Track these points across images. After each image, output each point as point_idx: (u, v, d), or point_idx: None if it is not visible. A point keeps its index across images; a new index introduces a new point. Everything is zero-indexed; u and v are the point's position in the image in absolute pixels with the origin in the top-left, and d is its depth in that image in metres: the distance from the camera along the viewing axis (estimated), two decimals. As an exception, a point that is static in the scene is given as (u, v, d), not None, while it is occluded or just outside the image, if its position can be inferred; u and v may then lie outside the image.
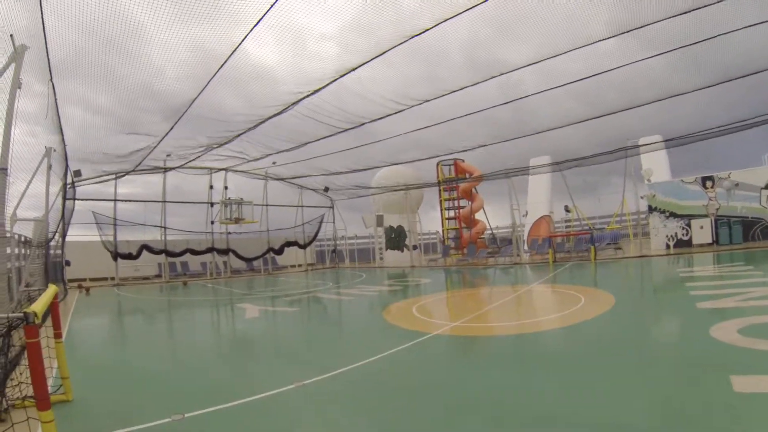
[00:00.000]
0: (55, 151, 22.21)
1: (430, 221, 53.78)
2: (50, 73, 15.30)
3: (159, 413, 6.46)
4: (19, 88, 11.23)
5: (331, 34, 17.08)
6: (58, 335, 7.37)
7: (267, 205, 43.05)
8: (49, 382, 7.65)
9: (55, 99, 17.57)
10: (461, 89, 20.79)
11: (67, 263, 32.45)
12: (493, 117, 25.76)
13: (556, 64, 19.12)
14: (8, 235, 19.93)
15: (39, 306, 5.06)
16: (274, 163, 35.77)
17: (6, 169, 10.70)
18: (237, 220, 37.98)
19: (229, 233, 40.44)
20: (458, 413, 6.03)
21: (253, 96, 21.24)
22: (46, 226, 22.76)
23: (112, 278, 35.46)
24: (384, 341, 11.01)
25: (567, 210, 46.64)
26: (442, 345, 10.50)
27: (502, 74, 19.64)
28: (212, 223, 39.50)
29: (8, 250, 16.66)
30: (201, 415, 6.39)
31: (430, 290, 22.66)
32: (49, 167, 21.78)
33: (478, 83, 20.37)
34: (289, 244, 43.88)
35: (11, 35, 10.38)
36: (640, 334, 10.17)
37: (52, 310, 7.20)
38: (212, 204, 39.65)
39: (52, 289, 6.72)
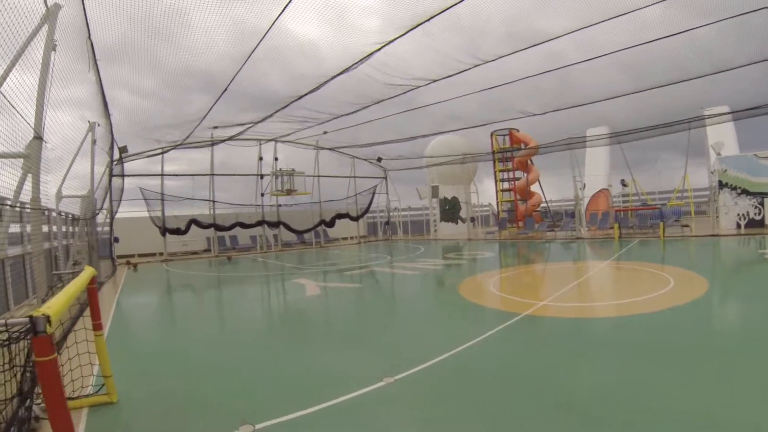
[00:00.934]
0: (99, 126, 21.35)
1: (482, 193, 52.49)
2: (93, 55, 15.68)
3: (223, 422, 5.35)
4: (54, 50, 10.18)
5: (373, 7, 16.78)
6: (97, 327, 6.19)
7: (318, 176, 41.95)
8: (90, 381, 6.52)
9: (100, 80, 18.08)
10: (501, 57, 20.19)
11: (116, 240, 32.26)
12: (539, 88, 25.38)
13: (597, 35, 18.55)
14: (50, 213, 19.26)
15: (57, 305, 3.53)
16: (325, 132, 34.73)
17: (41, 138, 9.56)
18: (289, 192, 36.80)
19: (280, 205, 39.93)
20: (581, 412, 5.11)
21: (297, 70, 21.26)
22: (92, 202, 21.90)
23: (161, 253, 35.06)
24: (472, 323, 10.01)
25: (624, 184, 44.78)
26: (538, 328, 9.35)
27: (545, 42, 18.94)
28: (262, 195, 38.77)
29: (46, 228, 15.76)
30: (277, 427, 5.18)
31: (499, 264, 21.78)
32: (94, 142, 20.99)
33: (519, 51, 19.70)
34: (340, 216, 42.95)
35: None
36: (754, 321, 9.06)
37: (90, 297, 5.96)
38: (262, 176, 38.82)
39: (86, 273, 5.51)
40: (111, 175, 30.56)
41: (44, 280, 10.20)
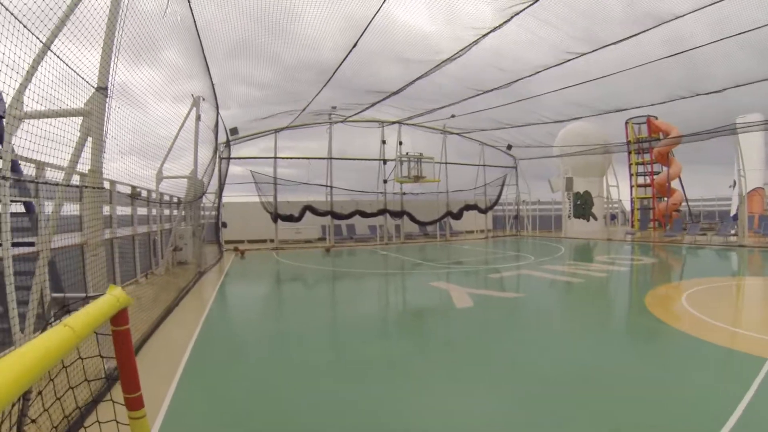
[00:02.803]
0: (204, 100, 19.50)
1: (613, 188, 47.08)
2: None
3: None
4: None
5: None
6: (134, 405, 3.23)
7: (446, 163, 39.02)
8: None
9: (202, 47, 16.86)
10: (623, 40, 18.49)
11: (224, 225, 31.25)
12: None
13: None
14: (149, 194, 17.56)
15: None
16: (452, 116, 31.85)
17: (106, 89, 7.19)
18: (416, 179, 33.79)
19: (404, 194, 37.28)
20: None
21: (409, 57, 20.60)
22: (196, 184, 20.13)
23: (271, 240, 33.63)
24: (704, 371, 7.20)
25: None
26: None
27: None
28: (385, 182, 36.37)
29: (107, 210, 13.66)
30: None
31: (676, 275, 19.53)
32: (198, 118, 19.13)
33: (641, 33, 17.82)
34: (468, 207, 39.89)
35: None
36: None
37: (118, 347, 3.12)
38: (385, 161, 36.37)
39: (107, 302, 2.81)
40: (220, 158, 29.24)
41: (104, 276, 7.86)
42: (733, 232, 30.72)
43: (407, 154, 33.94)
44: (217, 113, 23.30)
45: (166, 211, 21.44)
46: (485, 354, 8.60)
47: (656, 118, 38.66)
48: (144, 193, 17.17)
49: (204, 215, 29.30)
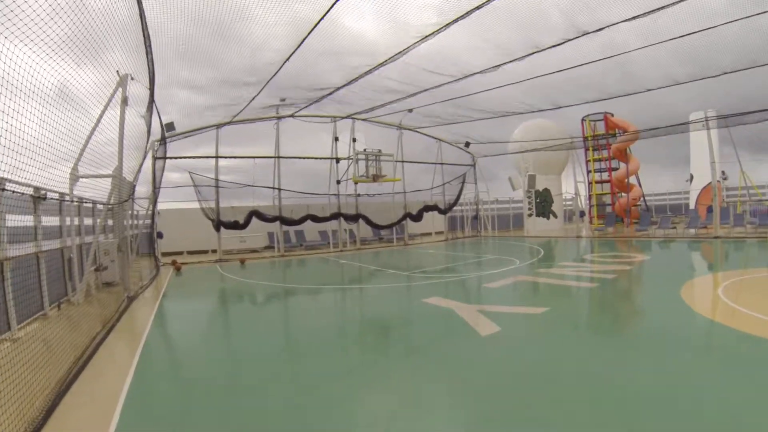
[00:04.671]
0: (132, 79, 15.48)
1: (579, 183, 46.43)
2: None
3: None
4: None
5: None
6: None
7: (403, 161, 35.40)
8: None
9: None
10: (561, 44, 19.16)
11: (159, 235, 27.34)
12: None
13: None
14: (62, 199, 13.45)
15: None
16: (410, 110, 29.47)
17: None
18: (375, 178, 29.98)
19: (359, 195, 33.62)
20: None
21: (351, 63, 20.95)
22: (125, 184, 16.16)
23: (214, 251, 29.75)
24: None
25: (724, 177, 39.02)
26: None
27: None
28: (338, 182, 32.52)
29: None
30: None
31: (701, 266, 19.38)
32: (124, 101, 15.04)
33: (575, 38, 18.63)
34: (428, 208, 36.93)
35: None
36: None
37: None
38: (338, 160, 32.72)
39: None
40: (154, 157, 25.75)
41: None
42: (700, 224, 31.88)
43: (365, 150, 30.26)
44: (152, 98, 19.08)
45: (86, 221, 17.22)
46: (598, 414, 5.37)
47: (612, 115, 39.43)
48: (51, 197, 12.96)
49: (137, 224, 25.42)
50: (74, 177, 14.09)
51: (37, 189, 11.38)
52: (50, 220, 14.03)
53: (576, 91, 26.78)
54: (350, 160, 31.08)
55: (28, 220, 12.20)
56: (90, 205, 17.11)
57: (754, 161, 35.43)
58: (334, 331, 11.00)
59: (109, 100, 14.36)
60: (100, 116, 13.98)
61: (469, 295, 14.45)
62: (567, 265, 19.93)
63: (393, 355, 8.69)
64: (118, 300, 14.68)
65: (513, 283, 15.72)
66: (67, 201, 14.50)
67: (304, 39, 17.14)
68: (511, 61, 20.86)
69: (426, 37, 17.82)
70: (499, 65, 21.33)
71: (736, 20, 17.49)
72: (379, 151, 30.33)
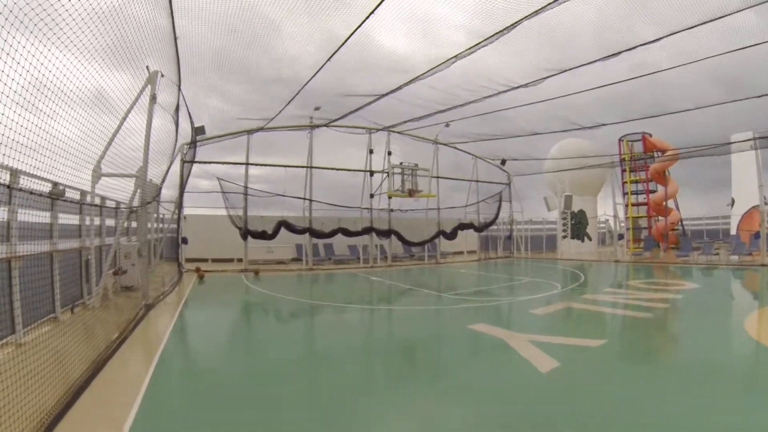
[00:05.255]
0: (163, 76, 14.58)
1: (602, 208, 45.81)
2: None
3: None
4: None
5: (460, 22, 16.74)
6: None
7: (438, 177, 34.10)
8: None
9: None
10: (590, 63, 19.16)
11: (184, 241, 26.49)
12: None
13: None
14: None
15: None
16: (447, 124, 28.45)
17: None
18: (411, 193, 28.67)
19: (392, 210, 32.38)
20: None
21: (385, 73, 20.70)
22: (149, 186, 15.23)
23: (239, 260, 28.68)
24: None
25: (766, 202, 37.13)
26: None
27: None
28: (371, 196, 31.37)
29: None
30: None
31: (749, 298, 18.00)
32: (153, 99, 14.15)
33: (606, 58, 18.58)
34: (463, 226, 35.59)
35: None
36: None
37: None
38: (372, 173, 31.50)
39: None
40: (182, 160, 25.17)
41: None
42: (744, 251, 29.62)
43: (401, 164, 29.08)
44: (180, 96, 18.19)
45: (108, 222, 16.32)
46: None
47: (650, 135, 37.09)
48: (70, 194, 11.97)
49: (162, 228, 24.64)
50: (96, 175, 13.13)
51: (55, 185, 10.39)
52: (69, 219, 13.15)
53: (609, 111, 26.52)
54: (384, 174, 30.08)
55: (44, 216, 11.30)
56: (113, 205, 16.24)
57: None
58: (371, 358, 9.82)
59: (138, 97, 13.52)
60: (127, 112, 13.17)
61: (517, 323, 13.20)
62: (612, 292, 18.63)
63: (448, 393, 7.36)
64: (136, 307, 13.69)
65: (560, 311, 14.56)
66: (88, 200, 13.62)
67: (337, 50, 17.01)
68: (545, 78, 20.48)
69: (459, 54, 17.71)
70: (533, 82, 20.87)
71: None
72: (416, 165, 29.21)
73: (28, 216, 8.78)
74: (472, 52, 17.42)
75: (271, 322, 14.14)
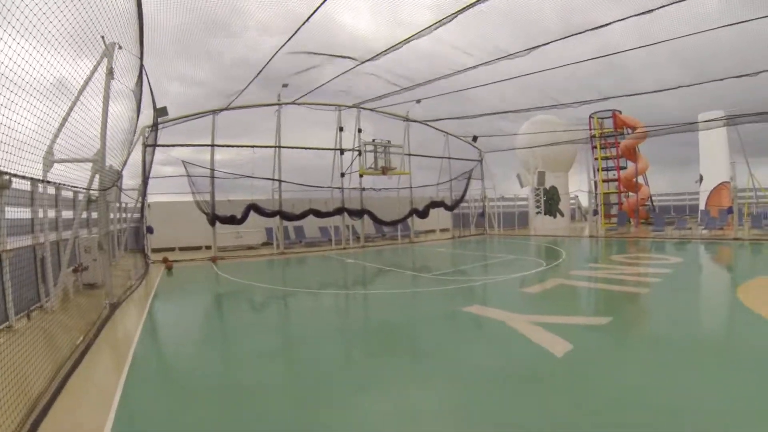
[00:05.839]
0: (120, 48, 13.25)
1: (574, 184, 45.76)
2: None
3: None
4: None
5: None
6: None
7: (410, 155, 33.04)
8: None
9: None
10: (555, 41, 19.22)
11: (149, 230, 25.03)
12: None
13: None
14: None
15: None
16: (418, 101, 27.93)
17: None
18: (384, 170, 28.07)
19: (364, 189, 31.28)
20: None
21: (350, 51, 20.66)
22: (108, 172, 13.99)
23: (207, 247, 27.60)
24: None
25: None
26: None
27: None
28: (342, 175, 30.16)
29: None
30: None
31: (735, 271, 17.69)
32: (110, 73, 12.80)
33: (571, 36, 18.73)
34: (435, 204, 34.89)
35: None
36: None
37: None
38: (342, 151, 30.36)
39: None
40: (144, 144, 23.70)
41: None
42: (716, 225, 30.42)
43: (373, 141, 28.18)
44: (142, 71, 16.76)
45: (65, 214, 14.93)
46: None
47: (620, 112, 37.77)
48: (19, 185, 10.64)
49: (125, 218, 23.67)
50: (48, 161, 11.70)
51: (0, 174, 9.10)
52: (18, 212, 11.76)
53: (578, 91, 26.77)
54: (355, 153, 29.27)
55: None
56: (70, 194, 14.91)
57: (757, 163, 33.99)
58: (372, 353, 8.74)
59: (93, 72, 12.15)
60: (81, 90, 11.75)
61: (513, 303, 12.18)
62: (600, 267, 18.35)
63: (468, 390, 6.39)
64: (100, 306, 12.42)
65: (553, 288, 13.87)
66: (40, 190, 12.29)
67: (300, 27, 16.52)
68: (506, 57, 20.70)
69: (422, 31, 17.78)
70: (500, 58, 20.97)
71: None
72: (389, 141, 28.32)
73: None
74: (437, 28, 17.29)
75: (250, 315, 12.85)
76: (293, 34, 16.96)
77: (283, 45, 17.85)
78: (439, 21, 16.76)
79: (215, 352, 9.22)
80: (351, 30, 19.05)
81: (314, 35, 17.36)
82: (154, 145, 24.37)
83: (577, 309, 11.80)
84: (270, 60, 19.43)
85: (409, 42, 18.43)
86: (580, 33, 18.14)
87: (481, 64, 21.44)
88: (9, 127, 6.20)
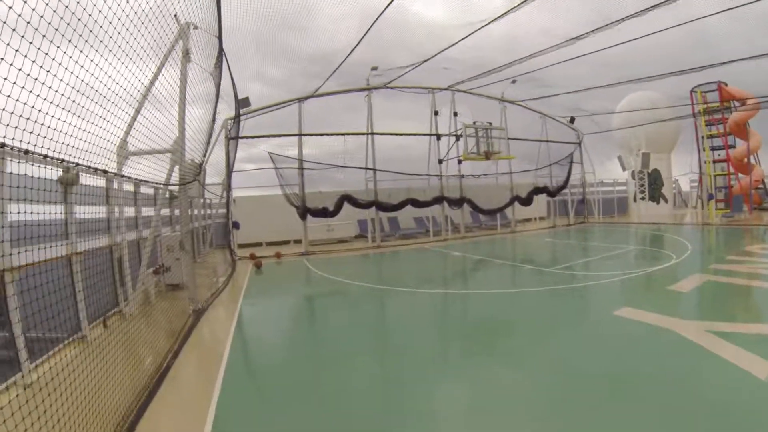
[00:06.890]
0: (196, 28, 11.80)
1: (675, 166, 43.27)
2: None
3: None
4: None
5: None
6: None
7: (508, 139, 29.55)
8: None
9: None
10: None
11: (235, 226, 24.12)
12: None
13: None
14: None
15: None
16: (513, 81, 26.15)
17: None
18: (488, 155, 25.85)
19: (463, 176, 29.16)
20: None
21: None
22: (188, 165, 12.68)
23: (296, 241, 26.56)
24: None
25: None
26: None
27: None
28: (440, 162, 28.12)
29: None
30: None
31: None
32: (186, 54, 11.51)
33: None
34: (538, 190, 32.67)
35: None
36: None
37: None
38: (439, 136, 28.28)
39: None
40: (227, 137, 22.52)
41: None
42: None
43: (474, 123, 26.00)
44: (221, 55, 15.27)
45: (144, 211, 13.68)
46: None
47: (726, 84, 33.32)
48: (89, 181, 9.24)
49: (210, 214, 22.90)
50: (123, 155, 10.19)
51: (67, 168, 7.73)
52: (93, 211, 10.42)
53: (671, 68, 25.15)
54: (452, 138, 27.29)
55: (58, 211, 8.61)
56: (151, 191, 13.68)
57: None
58: (523, 375, 6.74)
59: (167, 54, 10.71)
60: (156, 74, 10.36)
61: (669, 306, 10.00)
62: (741, 260, 15.07)
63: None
64: (184, 313, 11.03)
65: (704, 286, 11.72)
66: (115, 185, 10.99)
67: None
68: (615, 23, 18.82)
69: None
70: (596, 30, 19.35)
71: None
72: (490, 124, 26.25)
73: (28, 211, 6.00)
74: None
75: (360, 327, 10.54)
76: (371, 25, 16.65)
77: (363, 36, 17.47)
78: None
79: (314, 363, 7.69)
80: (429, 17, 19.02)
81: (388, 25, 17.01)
82: (237, 137, 23.31)
83: (753, 314, 9.53)
84: (352, 51, 18.98)
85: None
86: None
87: (590, 32, 19.38)
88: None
